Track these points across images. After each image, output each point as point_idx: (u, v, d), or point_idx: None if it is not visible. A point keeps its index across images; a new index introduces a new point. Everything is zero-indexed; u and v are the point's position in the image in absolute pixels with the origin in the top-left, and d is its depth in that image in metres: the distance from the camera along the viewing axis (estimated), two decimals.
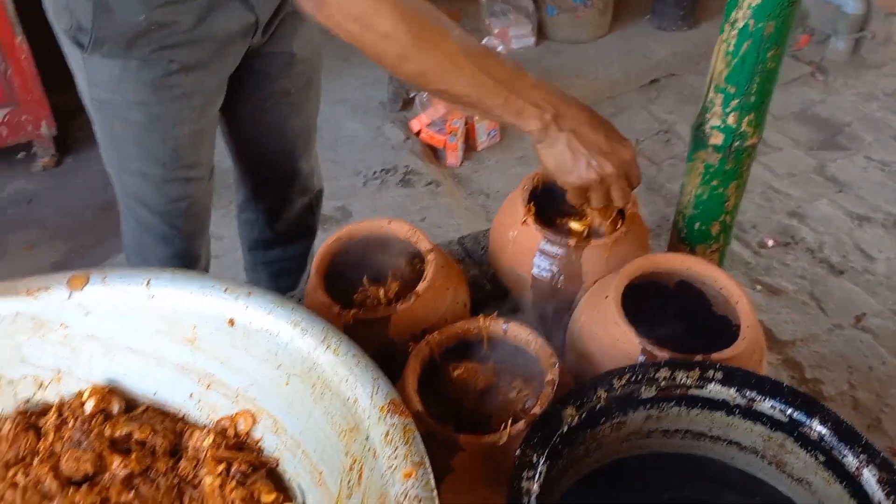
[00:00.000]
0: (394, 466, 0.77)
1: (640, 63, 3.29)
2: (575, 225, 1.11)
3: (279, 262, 1.74)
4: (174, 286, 0.95)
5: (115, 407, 0.97)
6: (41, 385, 0.98)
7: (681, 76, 3.33)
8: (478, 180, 2.71)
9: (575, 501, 0.91)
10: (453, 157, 2.75)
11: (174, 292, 0.95)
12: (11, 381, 0.97)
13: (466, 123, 2.77)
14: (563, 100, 0.98)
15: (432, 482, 0.74)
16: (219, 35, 1.22)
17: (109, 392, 0.98)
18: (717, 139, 1.13)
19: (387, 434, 0.79)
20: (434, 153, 2.80)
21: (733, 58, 1.06)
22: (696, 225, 1.22)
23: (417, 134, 2.81)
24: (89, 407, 0.97)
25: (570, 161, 0.99)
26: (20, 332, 0.95)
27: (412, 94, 2.90)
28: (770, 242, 2.40)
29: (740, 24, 1.04)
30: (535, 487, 0.77)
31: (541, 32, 3.32)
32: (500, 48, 2.73)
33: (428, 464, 0.76)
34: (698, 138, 1.15)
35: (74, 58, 1.26)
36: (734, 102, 1.09)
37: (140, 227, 1.42)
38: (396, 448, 0.77)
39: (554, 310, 1.12)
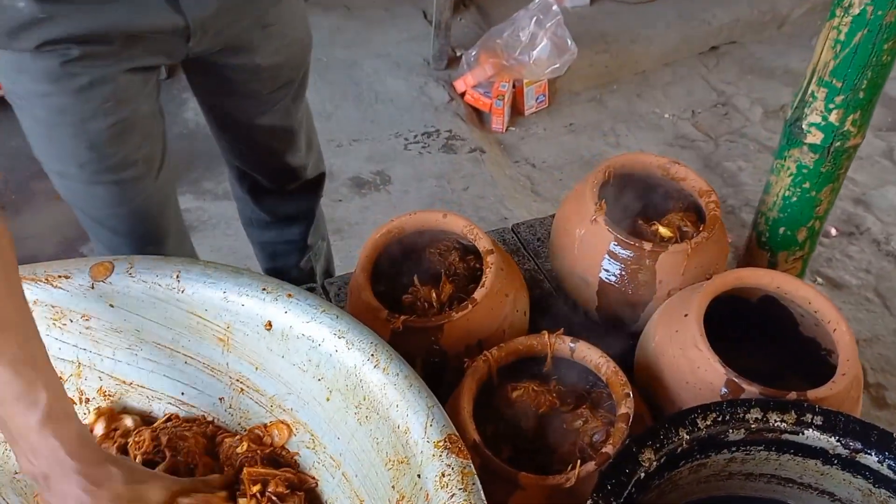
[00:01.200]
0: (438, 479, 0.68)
1: (700, 28, 3.11)
2: (664, 231, 1.01)
3: (275, 244, 1.62)
4: (206, 281, 0.87)
5: (129, 421, 0.90)
6: (60, 378, 0.90)
7: (743, 45, 3.16)
8: (524, 149, 2.59)
9: None
10: (499, 123, 2.63)
11: (206, 288, 0.87)
12: None
13: (514, 87, 2.64)
14: (71, 466, 0.72)
15: (477, 484, 0.66)
16: (131, 31, 1.05)
17: (114, 412, 0.90)
18: (816, 138, 1.01)
19: (442, 475, 0.70)
20: (479, 117, 2.68)
21: (844, 48, 0.94)
22: (782, 230, 1.11)
23: (462, 95, 2.69)
24: (99, 430, 0.90)
25: None
26: (39, 322, 0.87)
27: (459, 53, 2.77)
28: (833, 231, 2.27)
29: (856, 11, 0.91)
30: None
31: None
32: (553, 7, 2.58)
33: (472, 470, 0.68)
34: (793, 135, 1.03)
35: None
36: (839, 98, 0.97)
37: (88, 231, 1.26)
38: (453, 494, 0.68)
39: (622, 320, 1.02)
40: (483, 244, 0.96)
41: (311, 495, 0.86)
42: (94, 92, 1.07)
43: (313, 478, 0.86)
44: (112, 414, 0.89)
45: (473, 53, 2.65)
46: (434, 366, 0.91)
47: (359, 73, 2.84)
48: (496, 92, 2.57)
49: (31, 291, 0.87)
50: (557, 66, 2.59)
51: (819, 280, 2.11)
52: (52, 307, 0.88)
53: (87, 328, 0.89)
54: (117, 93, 1.09)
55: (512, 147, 2.60)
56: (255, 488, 0.82)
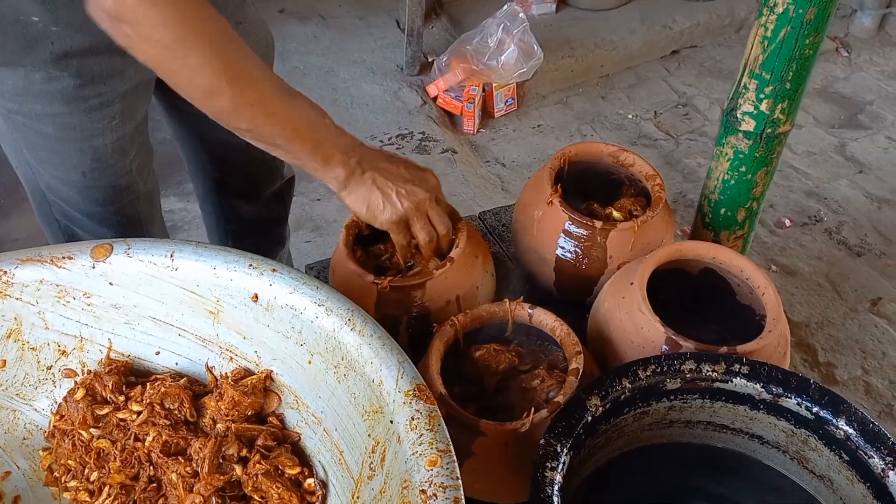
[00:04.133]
0: (418, 453, 0.77)
1: (662, 33, 3.23)
2: (616, 214, 1.10)
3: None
4: (198, 259, 0.95)
5: (111, 382, 0.96)
6: (64, 352, 0.98)
7: (702, 48, 3.28)
8: (494, 149, 2.69)
9: (595, 488, 0.92)
10: (470, 125, 2.72)
11: (198, 265, 0.95)
12: (35, 347, 0.97)
13: (484, 91, 2.74)
14: (361, 144, 0.98)
15: (457, 471, 0.75)
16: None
17: (95, 377, 0.97)
18: (749, 125, 1.11)
19: (412, 419, 0.79)
20: (451, 119, 2.77)
21: (770, 43, 1.04)
22: (723, 210, 1.21)
23: (434, 99, 2.78)
24: (79, 396, 0.96)
25: (380, 199, 0.96)
26: (44, 300, 0.95)
27: (431, 59, 2.86)
28: (787, 222, 2.38)
29: (780, 9, 1.01)
30: (559, 478, 0.77)
31: None
32: (520, 15, 2.68)
33: (452, 452, 0.76)
34: (729, 123, 1.13)
35: None
36: (768, 89, 1.07)
37: (68, 221, 1.30)
38: (421, 434, 0.77)
39: (577, 294, 1.11)
40: (455, 216, 1.05)
41: (296, 449, 0.94)
42: (104, 111, 1.14)
43: (297, 433, 0.94)
44: (89, 381, 0.96)
45: (444, 59, 2.74)
46: (419, 320, 1.00)
47: (335, 80, 2.92)
48: (467, 95, 2.67)
49: (37, 271, 0.94)
50: (524, 70, 2.69)
51: (773, 267, 2.22)
52: (57, 286, 0.95)
53: (88, 305, 0.97)
54: (123, 111, 1.17)
55: (483, 147, 2.69)
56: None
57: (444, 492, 0.72)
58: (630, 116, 2.90)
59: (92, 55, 1.08)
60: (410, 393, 0.81)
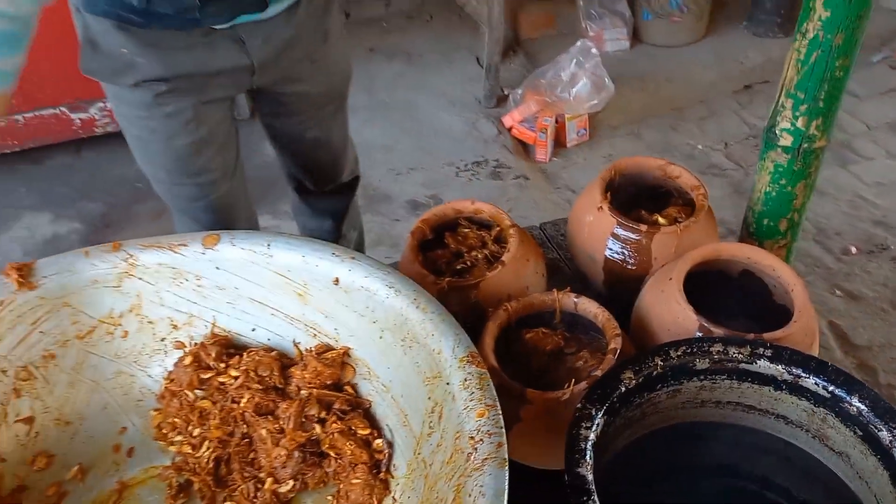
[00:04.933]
0: (469, 407, 0.88)
1: (734, 68, 3.30)
2: (662, 220, 1.20)
3: (314, 232, 1.85)
4: (290, 248, 1.09)
5: (213, 352, 1.11)
6: (175, 326, 1.13)
7: (775, 83, 3.31)
8: (565, 176, 2.80)
9: (631, 460, 1.01)
10: (542, 153, 2.84)
11: (290, 253, 1.09)
12: (152, 321, 1.13)
13: (557, 122, 2.86)
14: None
15: (501, 421, 0.85)
16: (209, 71, 1.29)
17: (201, 347, 1.12)
18: (787, 141, 1.19)
19: (465, 381, 0.90)
20: (524, 148, 2.90)
21: (803, 66, 1.13)
22: (765, 221, 1.29)
23: (509, 130, 2.92)
24: (188, 362, 1.11)
25: None
26: (161, 280, 1.11)
27: (507, 92, 3.01)
28: (853, 250, 2.40)
29: (811, 35, 1.10)
30: (592, 436, 0.87)
31: (636, 36, 3.37)
32: (592, 50, 2.80)
33: (498, 407, 0.87)
34: (769, 139, 1.22)
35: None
36: (803, 107, 1.16)
37: (175, 220, 1.53)
38: (472, 392, 0.88)
39: (623, 291, 1.21)
40: (506, 222, 1.17)
41: (367, 414, 1.06)
42: (178, 117, 1.33)
43: (368, 401, 1.07)
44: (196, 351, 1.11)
45: (520, 92, 2.88)
46: (474, 318, 1.12)
47: (418, 112, 3.10)
48: (540, 126, 2.79)
49: (157, 256, 1.10)
50: (596, 102, 2.80)
51: (838, 292, 2.25)
52: (173, 269, 1.11)
53: (198, 286, 1.12)
54: (196, 118, 1.35)
55: (554, 175, 2.81)
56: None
57: (490, 437, 0.83)
58: (700, 147, 2.96)
59: (164, 80, 1.27)
60: (464, 359, 0.92)
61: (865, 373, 2.03)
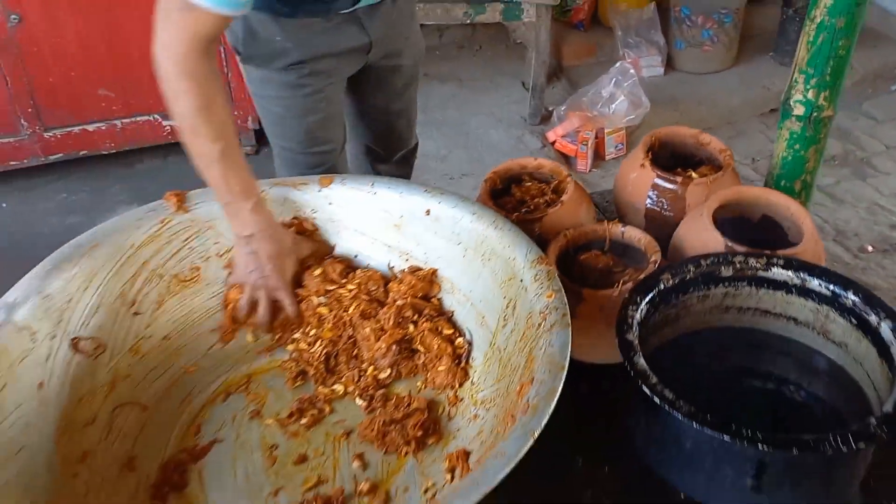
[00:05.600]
0: (539, 293, 1.10)
1: (761, 93, 3.51)
2: (695, 175, 1.42)
3: None
4: (389, 187, 1.33)
5: (338, 269, 1.34)
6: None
7: None
8: (603, 184, 3.02)
9: (667, 358, 1.21)
10: (583, 164, 3.07)
11: (389, 191, 1.32)
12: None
13: (596, 136, 3.09)
14: (266, 231, 1.25)
15: (565, 299, 1.07)
16: (339, 51, 1.55)
17: (329, 262, 1.35)
18: (800, 111, 1.41)
19: (535, 276, 1.12)
20: (566, 160, 3.13)
21: (812, 46, 1.35)
22: (783, 182, 1.50)
23: (553, 143, 3.15)
24: (317, 273, 1.35)
25: (240, 265, 1.28)
26: (286, 212, 1.35)
27: (550, 109, 3.25)
28: (870, 248, 2.58)
29: (818, 20, 1.33)
30: (638, 317, 1.08)
31: (669, 63, 3.60)
32: (630, 70, 3.05)
33: (563, 291, 1.09)
34: (785, 110, 1.44)
35: (239, 64, 1.62)
36: (813, 81, 1.38)
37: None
38: (542, 283, 1.10)
39: (661, 236, 1.43)
40: (564, 173, 1.39)
41: (450, 321, 1.28)
42: (315, 97, 1.59)
43: (451, 311, 1.29)
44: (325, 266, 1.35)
45: (563, 109, 3.12)
46: (539, 246, 1.34)
47: (468, 128, 3.35)
48: (581, 139, 3.03)
49: (283, 191, 1.34)
50: (633, 117, 3.03)
51: None
52: (294, 202, 1.35)
53: (314, 218, 1.36)
54: (326, 97, 1.61)
55: (593, 184, 3.02)
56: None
57: (556, 311, 1.05)
58: None
59: (308, 62, 1.53)
60: (535, 261, 1.14)
61: None
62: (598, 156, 3.13)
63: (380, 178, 1.35)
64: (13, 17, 2.72)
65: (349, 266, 1.35)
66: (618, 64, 3.07)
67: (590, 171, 3.09)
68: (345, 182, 1.35)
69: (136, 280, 1.21)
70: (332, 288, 1.31)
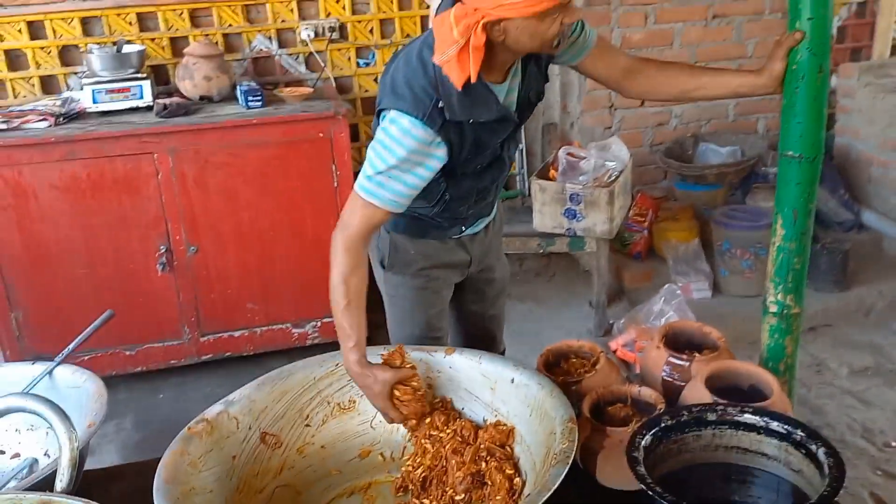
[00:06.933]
0: (561, 441, 1.49)
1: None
2: (697, 355, 1.86)
3: None
4: (490, 360, 1.79)
5: (441, 419, 1.79)
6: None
7: (836, 327, 3.88)
8: None
9: (667, 488, 1.59)
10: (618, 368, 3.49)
11: (489, 363, 1.78)
12: None
13: None
14: (359, 381, 1.71)
15: (574, 446, 1.45)
16: (451, 263, 2.05)
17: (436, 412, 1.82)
18: (774, 308, 1.86)
19: (562, 431, 1.51)
20: (626, 366, 3.56)
21: (776, 262, 1.83)
22: (770, 364, 1.91)
23: (614, 351, 3.60)
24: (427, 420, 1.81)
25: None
26: (421, 369, 1.78)
27: (612, 322, 3.74)
28: (893, 444, 2.85)
29: (777, 244, 1.81)
30: (643, 443, 1.50)
31: (716, 288, 4.07)
32: (677, 292, 3.54)
33: (576, 441, 1.47)
34: (765, 309, 1.89)
35: (378, 272, 2.06)
36: (780, 287, 1.84)
37: None
38: (566, 436, 1.49)
39: (674, 398, 1.85)
40: (599, 350, 1.86)
41: (515, 465, 1.66)
42: (435, 295, 2.10)
43: (518, 456, 1.67)
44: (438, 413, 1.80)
45: (622, 322, 3.60)
46: (576, 400, 1.77)
47: (542, 338, 3.83)
48: (638, 347, 3.47)
49: (420, 355, 1.79)
50: None
51: (878, 472, 2.68)
52: (427, 363, 1.82)
53: (438, 377, 1.82)
54: (442, 296, 2.13)
55: None
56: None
57: (563, 453, 1.46)
58: None
59: (431, 269, 2.08)
60: (567, 420, 1.53)
61: None
62: None
63: (485, 353, 1.83)
64: (192, 248, 3.47)
65: (451, 416, 1.78)
66: (666, 286, 3.58)
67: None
68: (462, 353, 1.84)
69: (312, 402, 1.74)
70: (435, 433, 1.77)
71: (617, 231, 3.64)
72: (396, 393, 1.71)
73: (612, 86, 1.93)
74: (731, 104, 4.72)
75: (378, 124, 1.72)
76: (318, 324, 3.66)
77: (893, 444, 2.85)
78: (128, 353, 3.54)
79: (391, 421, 1.75)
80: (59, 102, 3.48)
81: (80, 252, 3.34)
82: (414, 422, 1.74)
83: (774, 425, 1.53)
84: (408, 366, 1.74)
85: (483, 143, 1.77)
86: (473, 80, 1.57)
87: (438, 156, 1.69)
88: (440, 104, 1.62)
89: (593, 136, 4.37)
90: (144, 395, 3.63)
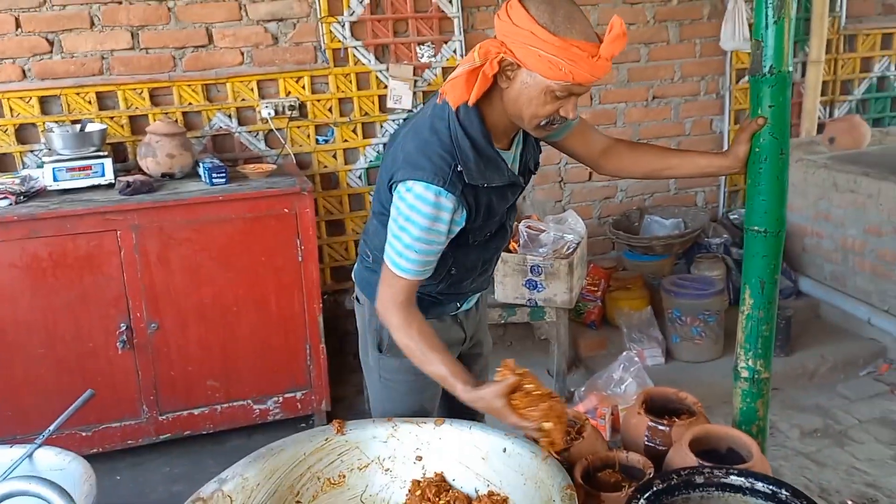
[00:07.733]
0: (561, 499, 1.58)
1: None
2: (677, 420, 1.94)
3: None
4: (481, 429, 1.83)
5: (433, 489, 1.82)
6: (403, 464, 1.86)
7: (783, 390, 4.03)
8: None
9: None
10: (604, 433, 3.55)
11: (480, 432, 1.83)
12: (403, 463, 1.86)
13: (612, 413, 3.61)
14: (472, 403, 1.74)
15: (576, 498, 1.53)
16: (447, 343, 2.01)
17: (426, 485, 1.84)
18: (745, 374, 1.96)
19: (562, 497, 1.58)
20: None
21: (745, 331, 1.94)
22: (743, 427, 2.00)
23: None
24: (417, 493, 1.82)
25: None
26: (410, 440, 1.81)
27: (572, 391, 3.81)
28: (849, 503, 2.96)
29: (746, 312, 1.93)
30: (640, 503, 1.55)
31: (669, 354, 4.20)
32: (635, 359, 3.65)
33: (575, 494, 1.56)
34: (736, 374, 1.99)
35: (372, 354, 2.05)
36: (751, 353, 1.95)
37: None
38: (564, 502, 1.58)
39: (656, 464, 1.91)
40: (584, 418, 1.92)
41: None
42: (428, 378, 2.04)
43: None
44: (425, 486, 1.81)
45: (582, 390, 3.68)
46: (568, 467, 1.82)
47: None
48: (599, 414, 3.54)
49: (409, 427, 1.84)
50: None
51: None
52: (416, 436, 1.86)
53: (429, 448, 1.84)
54: (436, 384, 2.08)
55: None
56: None
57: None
58: None
59: None
60: (564, 487, 1.59)
61: None
62: (616, 428, 3.62)
63: (475, 422, 1.87)
64: (153, 325, 3.43)
65: (442, 487, 1.81)
66: (624, 353, 3.68)
67: (609, 440, 3.55)
68: (452, 424, 1.87)
69: (302, 478, 1.72)
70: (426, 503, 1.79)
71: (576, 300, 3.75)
72: (514, 402, 1.70)
73: (589, 163, 2.04)
74: (671, 180, 4.96)
75: (390, 199, 1.77)
76: (280, 399, 3.62)
77: (849, 503, 2.96)
78: (84, 433, 3.43)
79: (528, 436, 1.74)
80: (17, 181, 3.44)
81: (39, 332, 3.26)
82: (550, 425, 1.68)
83: (759, 486, 1.61)
84: (518, 373, 1.73)
85: (493, 209, 1.83)
86: (471, 103, 1.66)
87: (458, 220, 1.75)
88: (459, 168, 1.68)
89: (545, 209, 4.53)
90: (102, 476, 3.44)
